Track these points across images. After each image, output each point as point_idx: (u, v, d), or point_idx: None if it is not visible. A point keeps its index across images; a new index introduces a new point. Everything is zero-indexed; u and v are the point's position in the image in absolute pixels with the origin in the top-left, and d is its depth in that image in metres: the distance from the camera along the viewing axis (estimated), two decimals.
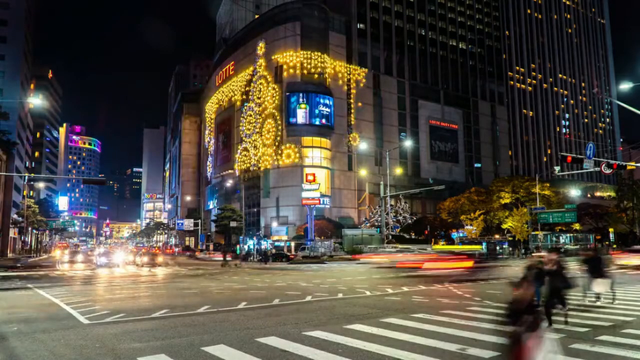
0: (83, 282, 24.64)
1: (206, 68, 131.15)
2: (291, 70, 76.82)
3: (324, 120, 75.87)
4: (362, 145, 74.13)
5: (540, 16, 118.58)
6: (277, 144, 76.03)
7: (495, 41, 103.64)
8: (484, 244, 50.22)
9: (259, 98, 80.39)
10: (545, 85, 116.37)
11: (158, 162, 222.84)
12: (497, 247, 52.56)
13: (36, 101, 58.07)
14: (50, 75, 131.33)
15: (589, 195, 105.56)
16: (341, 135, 77.65)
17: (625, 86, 26.10)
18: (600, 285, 13.14)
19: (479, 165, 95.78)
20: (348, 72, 79.79)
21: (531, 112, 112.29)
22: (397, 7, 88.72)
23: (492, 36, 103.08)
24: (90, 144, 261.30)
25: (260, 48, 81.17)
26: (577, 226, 66.42)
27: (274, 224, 72.76)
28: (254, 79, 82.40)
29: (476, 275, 23.07)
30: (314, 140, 75.95)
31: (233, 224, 69.23)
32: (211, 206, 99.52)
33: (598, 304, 13.20)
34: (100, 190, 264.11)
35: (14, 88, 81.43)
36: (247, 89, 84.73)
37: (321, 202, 65.85)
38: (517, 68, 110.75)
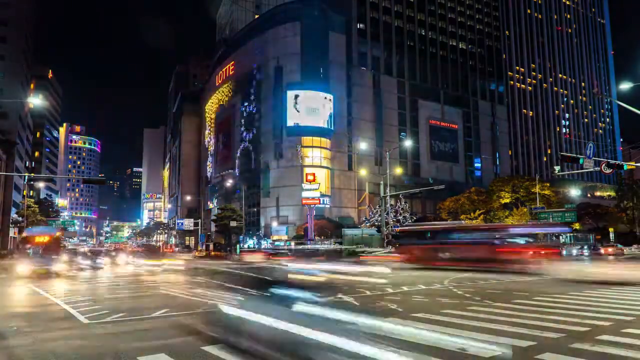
0: (83, 281, 24.63)
1: (206, 68, 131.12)
2: (291, 70, 76.83)
3: (324, 120, 75.87)
4: (362, 145, 74.14)
5: (540, 16, 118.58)
6: (277, 143, 76.04)
7: (495, 41, 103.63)
8: None
9: (259, 98, 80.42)
10: (545, 85, 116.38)
11: (158, 162, 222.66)
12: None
13: (36, 101, 58.19)
14: (50, 75, 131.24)
15: (589, 195, 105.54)
16: (341, 135, 77.64)
17: (625, 86, 26.12)
18: None
19: (479, 165, 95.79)
20: (348, 72, 79.77)
21: (531, 112, 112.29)
22: (397, 7, 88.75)
23: (492, 36, 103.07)
24: (90, 144, 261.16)
25: (260, 48, 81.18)
26: (577, 226, 66.39)
27: (274, 224, 72.78)
28: (254, 79, 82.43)
29: None
30: (314, 140, 75.96)
31: (233, 223, 69.25)
32: (211, 206, 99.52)
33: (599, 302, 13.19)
34: (100, 190, 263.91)
35: (14, 88, 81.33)
36: (247, 88, 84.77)
37: (321, 201, 65.89)
38: (517, 68, 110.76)
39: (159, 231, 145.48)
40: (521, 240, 26.92)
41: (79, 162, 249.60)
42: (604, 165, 26.01)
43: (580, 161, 25.24)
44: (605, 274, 20.22)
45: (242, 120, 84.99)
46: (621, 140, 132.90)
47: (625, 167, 28.84)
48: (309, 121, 75.09)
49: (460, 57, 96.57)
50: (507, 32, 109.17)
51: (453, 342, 7.23)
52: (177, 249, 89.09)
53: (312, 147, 75.99)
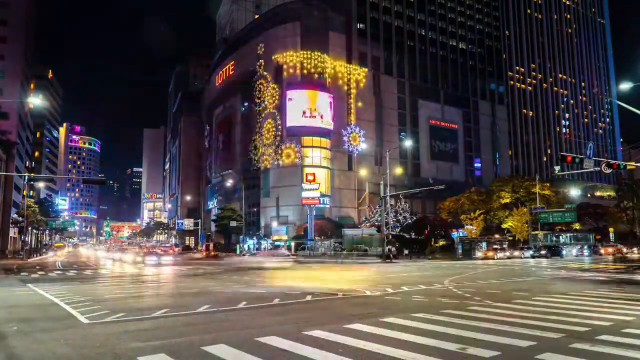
0: (83, 281, 24.64)
1: (206, 68, 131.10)
2: (291, 70, 76.83)
3: (324, 120, 75.83)
4: (362, 145, 74.12)
5: (540, 16, 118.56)
6: (277, 143, 76.02)
7: (495, 41, 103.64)
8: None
9: (259, 98, 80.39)
10: (545, 85, 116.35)
11: (158, 162, 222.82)
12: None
13: (36, 101, 58.27)
14: (50, 75, 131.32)
15: (589, 195, 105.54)
16: (341, 135, 77.63)
17: (625, 86, 26.09)
18: None
19: (479, 165, 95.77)
20: (348, 72, 79.76)
21: (531, 112, 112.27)
22: (397, 7, 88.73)
23: (492, 36, 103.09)
24: (90, 144, 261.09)
25: (260, 48, 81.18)
26: (577, 226, 66.45)
27: (274, 224, 72.76)
28: (254, 79, 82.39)
29: None
30: (314, 140, 75.94)
31: (233, 223, 69.24)
32: (211, 206, 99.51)
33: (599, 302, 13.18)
34: (100, 190, 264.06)
35: (14, 88, 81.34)
36: (247, 88, 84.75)
37: (321, 201, 65.92)
38: (517, 68, 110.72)
39: (159, 231, 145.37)
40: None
41: (79, 162, 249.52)
42: (604, 165, 25.98)
43: (583, 164, 25.18)
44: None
45: (242, 120, 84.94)
46: (621, 140, 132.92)
47: (625, 167, 28.83)
48: (309, 121, 75.05)
49: (460, 57, 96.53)
50: (507, 32, 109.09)
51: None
52: (177, 249, 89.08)
53: (312, 147, 75.93)
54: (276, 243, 64.41)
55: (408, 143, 79.51)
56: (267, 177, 77.50)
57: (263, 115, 78.61)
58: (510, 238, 60.76)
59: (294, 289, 18.25)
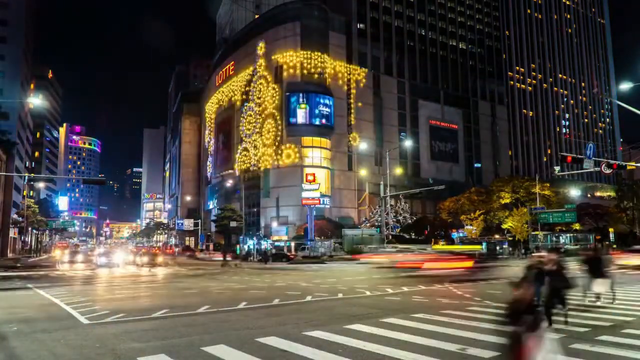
0: (83, 282, 24.64)
1: (206, 68, 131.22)
2: (291, 70, 76.80)
3: (324, 120, 75.84)
4: (362, 145, 74.10)
5: (540, 16, 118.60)
6: (277, 144, 76.01)
7: (495, 41, 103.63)
8: (484, 244, 50.17)
9: (259, 98, 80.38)
10: (545, 85, 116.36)
11: (158, 162, 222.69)
12: (497, 247, 52.49)
13: (36, 101, 58.20)
14: (50, 75, 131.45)
15: (589, 195, 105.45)
16: (341, 135, 77.63)
17: (625, 86, 26.09)
18: (600, 285, 13.13)
19: (479, 165, 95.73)
20: (348, 72, 79.75)
21: (531, 112, 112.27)
22: (397, 7, 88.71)
23: (492, 36, 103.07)
24: (90, 144, 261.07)
25: (260, 48, 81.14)
26: (577, 226, 66.33)
27: (274, 224, 72.74)
28: (254, 79, 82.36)
29: (476, 275, 23.06)
30: (314, 140, 75.94)
31: (233, 224, 69.18)
32: (211, 206, 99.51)
33: (598, 304, 13.19)
34: (100, 190, 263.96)
35: (14, 88, 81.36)
36: (247, 89, 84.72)
37: (321, 202, 65.84)
38: (517, 68, 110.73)
39: (159, 231, 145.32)
40: None
41: (79, 162, 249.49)
42: (604, 165, 25.97)
43: (585, 165, 25.14)
44: None
45: (242, 120, 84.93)
46: (621, 140, 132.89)
47: (625, 167, 28.83)
48: (309, 121, 75.06)
49: (460, 57, 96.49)
50: (507, 32, 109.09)
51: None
52: (177, 249, 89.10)
53: (312, 147, 75.91)
54: (276, 243, 64.23)
55: (408, 143, 79.44)
56: (267, 177, 77.46)
57: (263, 116, 78.59)
58: (510, 238, 60.73)
59: (294, 290, 18.25)
